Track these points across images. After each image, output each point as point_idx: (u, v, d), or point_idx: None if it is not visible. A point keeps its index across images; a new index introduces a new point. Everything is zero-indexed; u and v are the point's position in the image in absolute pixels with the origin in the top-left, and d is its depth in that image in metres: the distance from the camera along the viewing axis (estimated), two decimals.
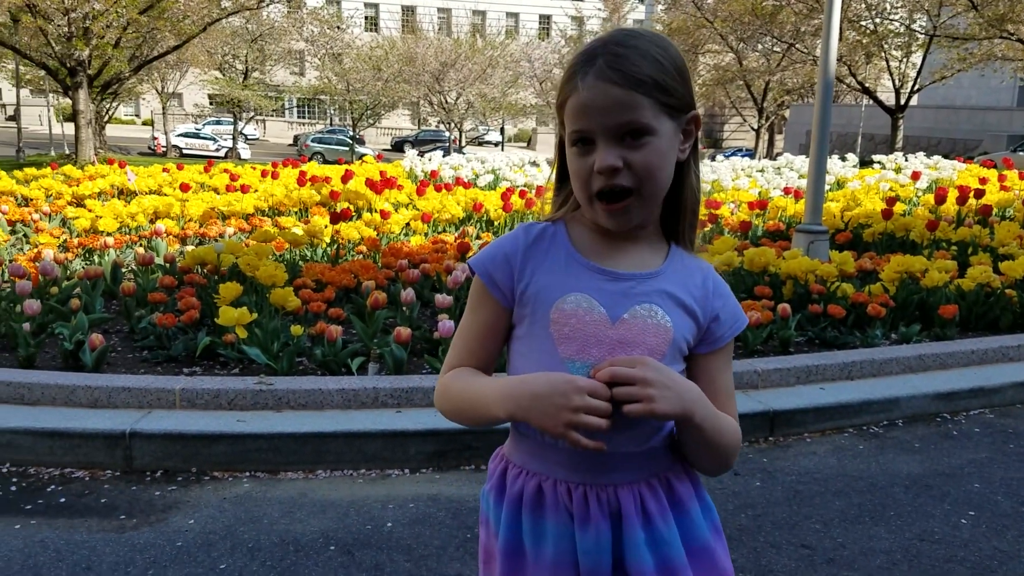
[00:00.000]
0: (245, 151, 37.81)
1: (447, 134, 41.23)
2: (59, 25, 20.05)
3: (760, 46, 34.15)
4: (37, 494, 3.57)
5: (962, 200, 8.62)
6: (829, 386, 4.76)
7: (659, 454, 1.34)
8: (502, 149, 42.63)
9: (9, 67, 33.68)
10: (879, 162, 15.48)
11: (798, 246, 6.90)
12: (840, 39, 6.07)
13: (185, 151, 37.76)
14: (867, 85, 29.38)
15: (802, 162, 14.88)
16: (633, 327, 1.30)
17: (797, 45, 30.42)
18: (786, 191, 11.00)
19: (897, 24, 27.78)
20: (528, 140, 56.26)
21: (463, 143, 40.44)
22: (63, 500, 3.52)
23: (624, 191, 1.24)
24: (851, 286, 5.90)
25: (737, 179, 12.92)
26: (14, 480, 3.69)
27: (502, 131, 47.97)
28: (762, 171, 14.39)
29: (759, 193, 11.59)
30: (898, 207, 8.43)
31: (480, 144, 48.32)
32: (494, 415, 1.27)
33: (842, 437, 4.42)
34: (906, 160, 14.81)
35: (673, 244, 1.37)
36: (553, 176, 1.42)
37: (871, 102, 29.60)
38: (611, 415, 1.19)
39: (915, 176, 11.75)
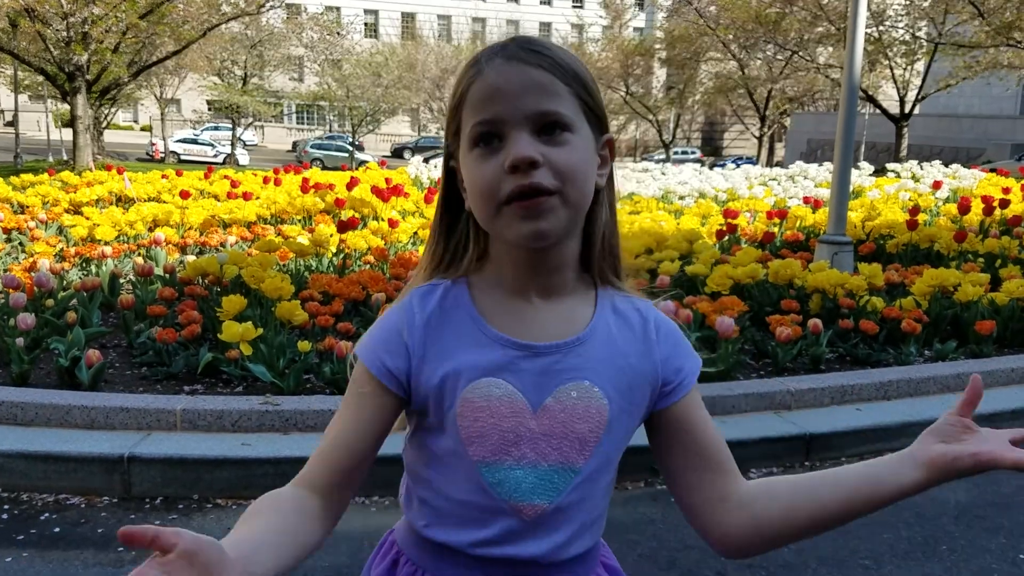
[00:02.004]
0: (244, 157, 37.52)
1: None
2: (58, 30, 19.85)
3: (763, 54, 34.00)
4: (30, 522, 3.34)
5: (988, 211, 8.39)
6: (865, 407, 4.52)
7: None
8: None
9: (7, 72, 33.47)
10: (894, 171, 15.28)
11: (821, 257, 6.65)
12: (845, 47, 5.88)
13: (183, 157, 37.50)
14: (870, 93, 29.20)
15: (816, 170, 14.69)
16: (559, 414, 1.03)
17: (800, 53, 30.28)
18: (806, 200, 10.80)
19: (902, 32, 27.62)
20: None
21: None
22: (57, 530, 3.28)
23: (543, 190, 0.96)
24: (881, 300, 5.66)
25: (752, 188, 12.73)
26: (6, 507, 3.46)
27: None
28: (776, 179, 14.21)
29: (774, 202, 11.39)
30: (920, 217, 8.20)
31: None
32: None
33: None
34: (921, 168, 14.62)
35: (599, 288, 1.09)
36: (436, 221, 1.11)
37: (874, 110, 29.42)
38: None
39: (936, 185, 11.57)
